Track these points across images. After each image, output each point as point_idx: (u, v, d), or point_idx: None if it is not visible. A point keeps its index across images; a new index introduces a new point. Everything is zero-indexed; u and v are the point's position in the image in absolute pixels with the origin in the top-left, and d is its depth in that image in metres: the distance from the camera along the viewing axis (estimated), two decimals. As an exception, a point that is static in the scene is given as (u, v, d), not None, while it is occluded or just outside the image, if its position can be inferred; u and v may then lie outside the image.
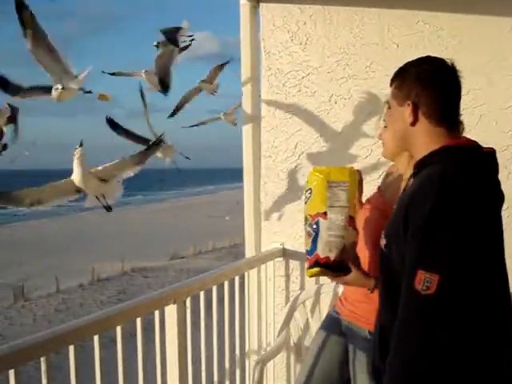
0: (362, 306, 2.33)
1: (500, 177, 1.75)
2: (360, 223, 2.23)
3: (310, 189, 2.16)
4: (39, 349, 1.84)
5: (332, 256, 2.05)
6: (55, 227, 40.15)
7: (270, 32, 3.46)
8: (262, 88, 3.52)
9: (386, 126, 2.16)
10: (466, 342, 1.55)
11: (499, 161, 1.77)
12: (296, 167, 3.48)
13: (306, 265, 2.13)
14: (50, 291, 20.55)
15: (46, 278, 22.16)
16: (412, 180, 1.81)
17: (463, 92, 3.05)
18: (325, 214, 2.08)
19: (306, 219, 2.15)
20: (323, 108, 3.37)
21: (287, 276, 3.50)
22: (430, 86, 1.77)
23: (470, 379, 1.59)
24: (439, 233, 1.55)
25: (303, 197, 2.24)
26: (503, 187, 1.73)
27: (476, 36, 3.07)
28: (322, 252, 2.05)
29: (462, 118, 3.03)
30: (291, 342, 3.12)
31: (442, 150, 1.74)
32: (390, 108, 1.91)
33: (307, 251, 2.12)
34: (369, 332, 2.26)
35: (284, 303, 3.44)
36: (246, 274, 3.18)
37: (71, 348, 1.97)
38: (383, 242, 1.80)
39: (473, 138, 1.84)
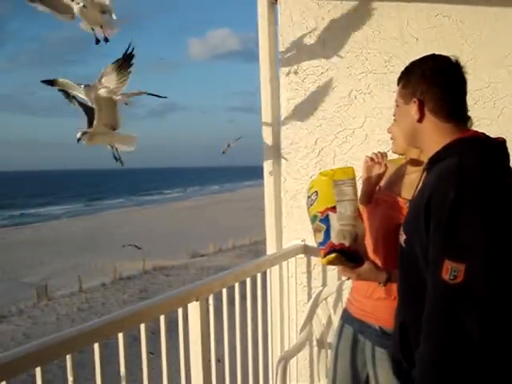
0: (369, 302, 2.34)
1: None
2: (364, 218, 2.25)
3: (315, 191, 2.21)
4: (66, 346, 1.87)
5: (346, 243, 2.06)
6: (77, 227, 40.48)
7: (288, 28, 3.46)
8: (281, 85, 3.52)
9: (395, 120, 2.20)
10: (495, 331, 1.55)
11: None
12: (316, 163, 3.47)
13: (321, 254, 2.12)
14: (73, 290, 20.73)
15: (68, 277, 22.38)
16: (425, 175, 1.83)
17: (484, 85, 3.05)
18: (334, 208, 2.11)
19: (314, 217, 2.18)
20: (343, 103, 3.36)
21: (309, 273, 3.50)
22: (435, 82, 1.80)
23: (495, 369, 1.58)
24: (462, 222, 1.56)
25: (307, 201, 2.27)
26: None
27: (496, 29, 3.04)
28: (336, 240, 2.07)
29: (482, 110, 3.03)
30: (314, 338, 3.11)
31: (456, 143, 1.76)
32: (397, 106, 1.94)
33: (319, 243, 2.13)
34: (379, 328, 2.27)
35: (306, 300, 3.44)
36: (267, 271, 3.18)
37: (96, 346, 1.99)
38: (402, 237, 1.81)
39: (495, 131, 1.84)
